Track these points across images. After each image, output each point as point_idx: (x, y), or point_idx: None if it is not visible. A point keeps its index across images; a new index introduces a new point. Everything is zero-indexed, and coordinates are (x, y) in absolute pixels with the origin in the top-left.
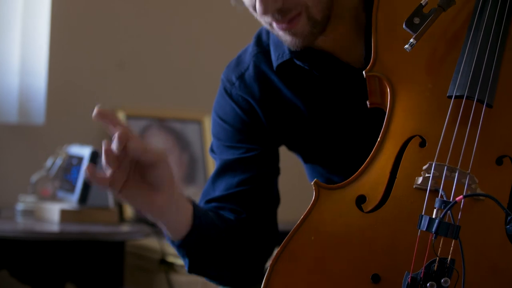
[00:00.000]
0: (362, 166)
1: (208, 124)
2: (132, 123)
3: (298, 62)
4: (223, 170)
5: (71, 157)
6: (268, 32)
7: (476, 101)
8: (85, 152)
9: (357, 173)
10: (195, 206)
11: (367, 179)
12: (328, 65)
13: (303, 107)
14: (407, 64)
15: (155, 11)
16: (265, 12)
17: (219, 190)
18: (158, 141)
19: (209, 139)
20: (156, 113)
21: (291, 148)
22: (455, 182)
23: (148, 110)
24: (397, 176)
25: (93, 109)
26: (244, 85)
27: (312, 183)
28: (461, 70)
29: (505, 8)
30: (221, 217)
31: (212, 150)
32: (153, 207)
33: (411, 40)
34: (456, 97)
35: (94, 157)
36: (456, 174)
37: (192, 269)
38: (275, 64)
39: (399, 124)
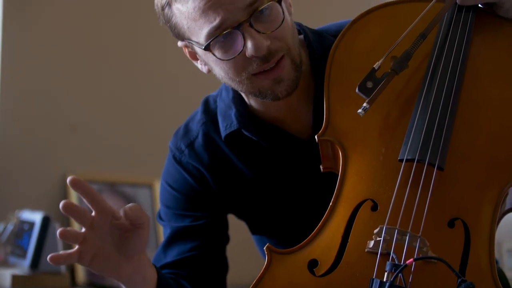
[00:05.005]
0: (315, 230)
1: (158, 188)
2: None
3: (246, 133)
4: (174, 237)
5: (22, 222)
6: (215, 100)
7: (427, 164)
8: (36, 217)
9: (309, 237)
10: (159, 275)
11: (319, 243)
12: (276, 136)
13: (251, 176)
14: (359, 128)
15: (105, 76)
16: (260, 50)
17: (171, 256)
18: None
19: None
20: (107, 177)
21: (239, 216)
22: (405, 245)
23: (99, 174)
24: (349, 240)
25: (44, 173)
26: (194, 153)
27: (264, 248)
28: (412, 133)
29: (456, 71)
30: (180, 286)
31: (160, 218)
32: (121, 276)
33: (364, 104)
34: (407, 160)
35: (46, 223)
36: (407, 237)
37: None
38: (223, 134)
39: (351, 188)
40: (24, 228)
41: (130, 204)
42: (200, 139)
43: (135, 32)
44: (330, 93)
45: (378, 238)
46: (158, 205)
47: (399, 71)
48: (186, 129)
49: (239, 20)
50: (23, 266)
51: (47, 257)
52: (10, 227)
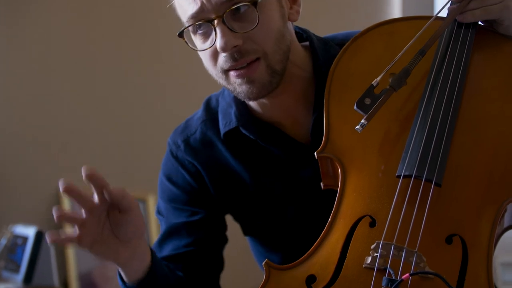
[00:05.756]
0: (313, 246)
1: (152, 202)
2: (77, 204)
3: (244, 131)
4: (169, 233)
5: (16, 237)
6: (217, 99)
7: (425, 180)
8: (29, 232)
9: (307, 253)
10: (153, 255)
11: (317, 258)
12: (274, 137)
13: (248, 178)
14: (359, 145)
15: (98, 91)
16: (225, 47)
17: (166, 251)
18: None
19: (153, 218)
20: None
21: (235, 217)
22: (402, 260)
23: (92, 189)
24: (347, 256)
25: (38, 188)
26: (189, 148)
27: (263, 264)
28: (410, 149)
29: (454, 88)
30: (173, 273)
31: (158, 212)
32: (119, 260)
33: (362, 120)
34: (404, 176)
35: (39, 237)
36: (404, 252)
37: None
38: (222, 131)
39: (350, 205)
40: (18, 242)
41: (114, 186)
42: (197, 135)
43: (127, 47)
44: (330, 110)
45: (375, 254)
46: (153, 220)
47: (398, 87)
48: (186, 125)
49: (215, 14)
50: (16, 281)
51: (40, 271)
52: (3, 241)
